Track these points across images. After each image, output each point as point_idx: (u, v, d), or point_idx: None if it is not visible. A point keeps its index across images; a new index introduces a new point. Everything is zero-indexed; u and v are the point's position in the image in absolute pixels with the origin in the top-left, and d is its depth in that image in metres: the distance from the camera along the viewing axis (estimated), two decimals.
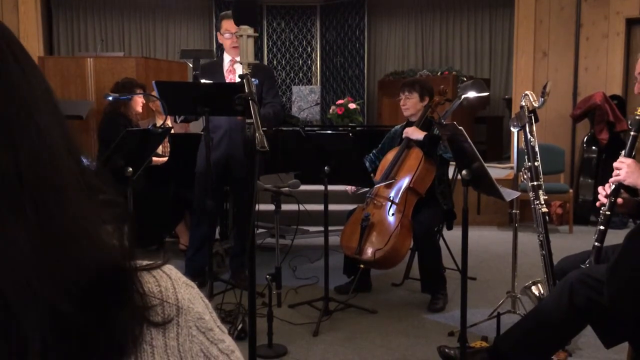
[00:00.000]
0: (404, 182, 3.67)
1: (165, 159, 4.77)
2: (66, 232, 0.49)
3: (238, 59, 3.91)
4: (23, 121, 0.48)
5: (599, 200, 2.45)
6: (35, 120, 0.49)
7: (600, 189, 2.44)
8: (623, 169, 2.33)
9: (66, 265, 0.48)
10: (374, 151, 4.11)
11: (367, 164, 3.98)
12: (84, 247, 0.50)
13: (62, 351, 0.47)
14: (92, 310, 0.49)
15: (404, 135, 3.80)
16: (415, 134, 3.73)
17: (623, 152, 2.40)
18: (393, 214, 3.62)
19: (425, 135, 3.67)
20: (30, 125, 0.49)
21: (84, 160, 0.54)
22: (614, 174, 2.37)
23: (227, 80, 3.89)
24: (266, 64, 9.45)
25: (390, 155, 3.85)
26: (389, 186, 3.73)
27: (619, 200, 2.36)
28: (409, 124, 3.91)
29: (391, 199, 3.68)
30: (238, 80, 3.86)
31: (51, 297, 0.46)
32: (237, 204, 4.40)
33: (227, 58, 3.98)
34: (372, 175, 3.88)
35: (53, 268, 0.47)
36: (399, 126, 4.06)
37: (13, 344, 0.45)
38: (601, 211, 2.40)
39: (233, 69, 3.95)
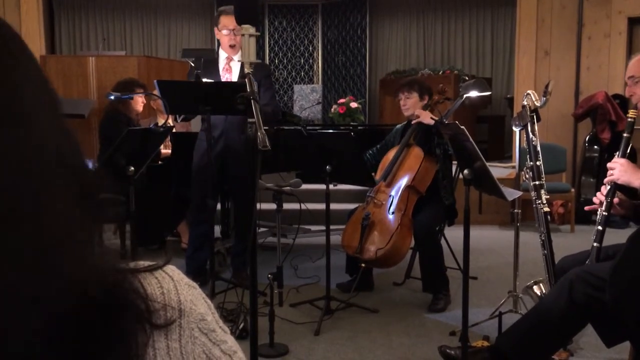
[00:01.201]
0: (404, 180, 3.67)
1: (169, 151, 4.79)
2: (49, 250, 0.47)
3: (235, 57, 3.91)
4: (12, 117, 0.47)
5: (593, 203, 2.47)
6: (25, 119, 0.48)
7: (598, 194, 2.46)
8: (616, 168, 2.35)
9: (50, 284, 0.46)
10: (377, 146, 4.08)
11: (368, 157, 3.97)
12: (68, 265, 0.48)
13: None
14: (85, 326, 0.48)
15: (414, 120, 3.74)
16: (427, 118, 3.68)
17: (617, 153, 2.43)
18: (393, 213, 3.62)
19: (436, 121, 3.63)
20: (19, 122, 0.47)
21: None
22: (608, 174, 2.40)
23: (223, 79, 3.87)
24: (268, 63, 9.45)
25: (390, 154, 3.85)
26: (390, 185, 3.73)
27: (615, 199, 2.38)
28: (410, 123, 3.90)
29: (391, 197, 3.67)
30: (234, 79, 3.86)
31: (34, 317, 0.45)
32: (235, 202, 4.40)
33: (222, 55, 3.94)
34: (372, 173, 3.87)
35: (35, 287, 0.45)
36: (400, 125, 4.05)
37: None
38: (598, 212, 2.42)
39: (229, 68, 3.93)
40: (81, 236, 0.50)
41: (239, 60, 3.85)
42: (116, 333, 0.50)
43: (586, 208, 2.53)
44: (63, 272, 0.47)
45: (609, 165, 2.41)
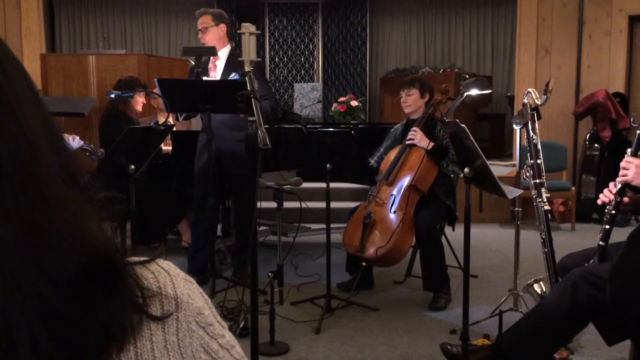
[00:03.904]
0: (406, 180, 3.67)
1: (169, 148, 4.79)
2: (48, 222, 0.48)
3: (221, 55, 3.99)
4: (2, 115, 0.48)
5: (599, 198, 2.44)
6: (15, 114, 0.49)
7: (606, 191, 2.41)
8: (631, 169, 2.30)
9: (49, 256, 0.47)
10: (382, 150, 4.06)
11: (374, 164, 3.97)
12: (68, 237, 0.49)
13: (53, 341, 0.47)
14: (81, 299, 0.48)
15: (408, 142, 3.73)
16: (422, 141, 3.68)
17: (629, 150, 2.38)
18: (395, 212, 3.62)
19: (432, 147, 3.63)
20: (10, 119, 0.48)
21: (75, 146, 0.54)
22: (620, 173, 2.34)
23: (209, 77, 3.93)
24: (268, 61, 9.45)
25: (392, 154, 3.84)
26: (392, 184, 3.72)
27: (625, 199, 2.35)
28: (409, 122, 3.89)
29: (393, 196, 3.67)
30: (218, 77, 3.93)
31: (35, 287, 0.46)
32: (235, 201, 4.40)
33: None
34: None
35: (36, 258, 0.47)
36: (399, 125, 4.04)
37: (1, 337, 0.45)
38: (606, 210, 2.38)
39: (214, 66, 3.99)
40: (80, 213, 0.51)
41: (240, 59, 3.88)
42: (107, 316, 0.50)
43: (599, 201, 2.47)
44: (65, 246, 0.49)
45: (622, 164, 2.35)
